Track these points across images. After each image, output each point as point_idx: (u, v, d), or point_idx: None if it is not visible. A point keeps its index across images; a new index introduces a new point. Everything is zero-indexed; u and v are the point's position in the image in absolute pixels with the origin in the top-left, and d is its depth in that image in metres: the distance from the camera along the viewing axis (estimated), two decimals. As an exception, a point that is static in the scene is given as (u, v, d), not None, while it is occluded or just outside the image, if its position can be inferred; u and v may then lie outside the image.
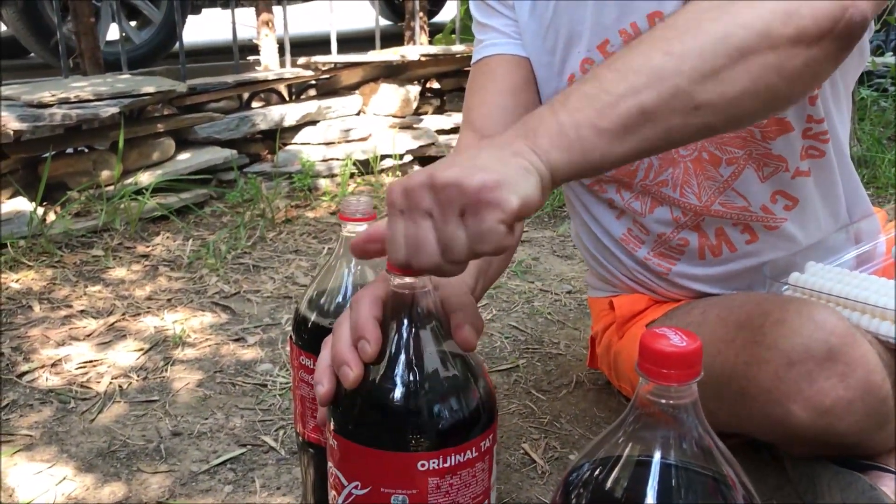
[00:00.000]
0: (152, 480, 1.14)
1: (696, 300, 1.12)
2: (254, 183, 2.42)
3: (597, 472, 0.54)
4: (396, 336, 0.67)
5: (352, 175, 2.62)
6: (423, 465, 0.64)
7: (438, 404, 0.65)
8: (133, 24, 4.34)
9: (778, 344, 0.87)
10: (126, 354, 1.53)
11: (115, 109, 2.21)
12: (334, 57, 2.84)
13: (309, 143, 2.67)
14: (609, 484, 0.52)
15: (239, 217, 2.27)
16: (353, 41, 3.52)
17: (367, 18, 3.21)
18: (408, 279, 0.67)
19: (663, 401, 0.51)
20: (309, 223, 2.29)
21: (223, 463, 1.18)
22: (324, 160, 2.64)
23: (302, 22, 5.00)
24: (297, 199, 2.47)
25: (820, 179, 1.09)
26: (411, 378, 0.65)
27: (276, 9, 3.02)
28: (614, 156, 0.68)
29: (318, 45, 2.92)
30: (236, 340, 1.59)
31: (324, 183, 2.57)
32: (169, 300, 1.78)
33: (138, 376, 1.44)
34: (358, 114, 2.84)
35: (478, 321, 0.70)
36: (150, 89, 2.34)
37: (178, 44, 2.75)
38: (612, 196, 1.14)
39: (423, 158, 2.80)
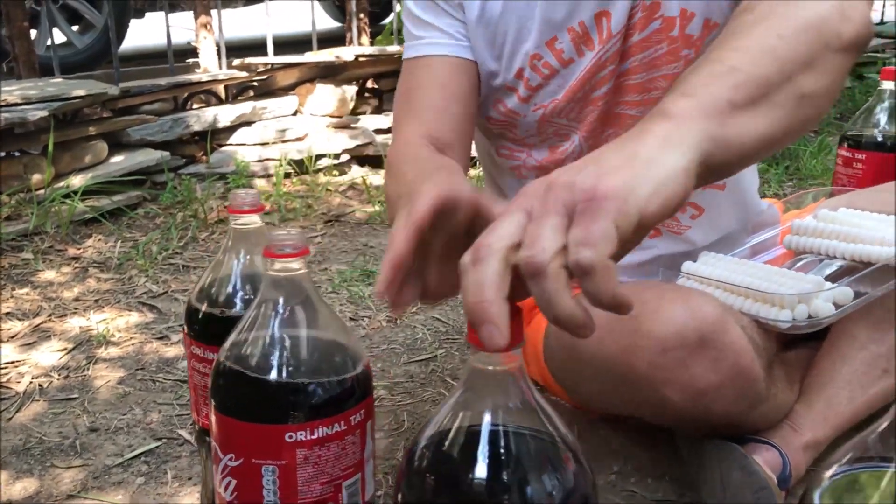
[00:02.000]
0: (65, 475, 1.16)
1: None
2: (187, 184, 2.43)
3: (434, 440, 0.57)
4: (273, 314, 0.70)
5: (287, 175, 2.64)
6: (290, 437, 0.67)
7: (304, 378, 0.68)
8: (75, 28, 4.30)
9: (652, 332, 0.91)
10: (49, 355, 1.53)
11: (43, 112, 2.20)
12: (270, 58, 2.85)
13: (244, 144, 2.68)
14: (444, 448, 0.56)
15: (171, 218, 2.28)
16: (300, 44, 3.53)
17: (315, 20, 3.22)
18: (289, 262, 0.70)
19: (490, 368, 0.55)
20: (243, 223, 2.30)
21: (137, 456, 1.20)
22: (259, 160, 2.65)
23: (247, 26, 4.99)
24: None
25: (732, 191, 1.14)
26: (278, 352, 0.68)
27: (217, 11, 3.02)
28: (750, 134, 0.65)
29: (263, 48, 2.93)
30: (160, 339, 1.60)
31: (260, 183, 2.58)
32: (96, 301, 1.79)
33: (60, 375, 1.45)
34: (294, 114, 2.86)
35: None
36: (81, 92, 2.34)
37: (120, 47, 2.74)
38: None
39: (361, 158, 2.83)
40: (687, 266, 1.09)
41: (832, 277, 1.03)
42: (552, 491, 0.54)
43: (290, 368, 0.68)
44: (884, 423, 0.50)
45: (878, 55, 3.95)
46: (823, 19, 0.71)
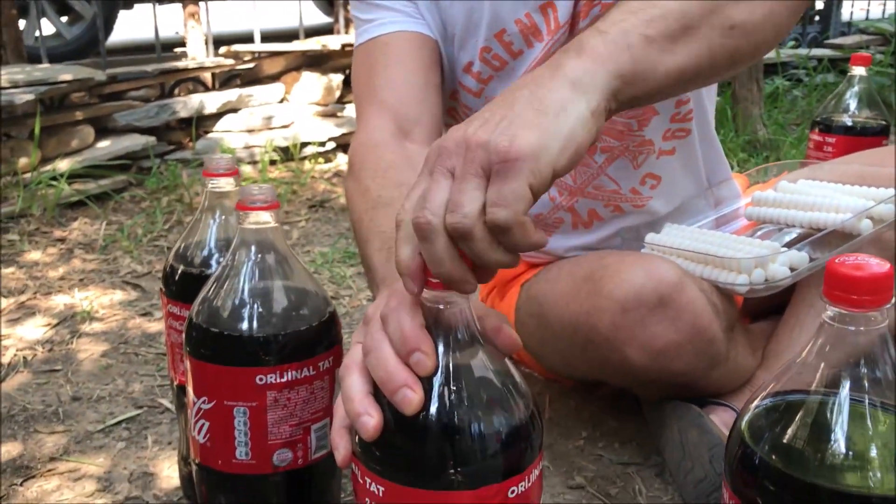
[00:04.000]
0: (48, 440, 1.18)
1: (562, 260, 1.19)
2: (173, 169, 2.45)
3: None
4: (245, 264, 0.73)
5: (273, 162, 2.67)
6: (261, 380, 0.70)
7: (273, 324, 0.71)
8: (64, 19, 4.31)
9: (614, 294, 0.94)
10: (34, 329, 1.56)
11: (30, 97, 2.22)
12: (257, 46, 2.88)
13: (231, 131, 2.71)
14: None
15: (157, 202, 2.31)
16: (290, 37, 3.55)
17: (306, 15, 3.25)
18: (260, 215, 0.73)
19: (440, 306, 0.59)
20: (228, 207, 2.33)
21: (119, 423, 1.23)
22: (246, 147, 2.68)
23: (237, 19, 5.01)
24: (217, 185, 2.51)
25: (683, 155, 1.16)
26: (249, 300, 0.72)
27: (209, 2, 3.05)
28: (664, 68, 0.67)
29: (252, 40, 2.96)
30: (143, 315, 1.63)
31: (246, 169, 2.61)
32: (81, 280, 1.81)
33: (44, 348, 1.48)
34: (281, 102, 2.88)
35: (501, 317, 0.65)
36: (68, 77, 2.36)
37: (110, 38, 2.77)
38: None
39: (346, 145, 2.86)
40: (650, 237, 1.12)
41: (790, 245, 1.06)
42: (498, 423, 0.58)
43: (261, 315, 0.72)
44: (798, 360, 0.53)
45: (864, 51, 4.00)
46: None
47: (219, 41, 3.03)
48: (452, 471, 0.56)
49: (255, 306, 0.72)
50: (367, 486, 0.59)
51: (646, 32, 0.66)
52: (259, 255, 0.73)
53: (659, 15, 0.67)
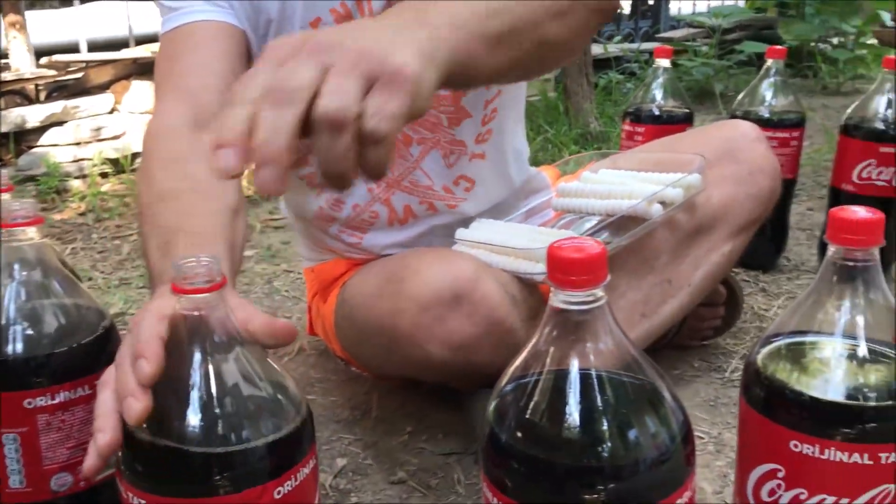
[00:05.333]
0: None
1: (374, 261, 1.20)
2: (-7, 187, 2.33)
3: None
4: (8, 284, 0.71)
5: (104, 175, 2.57)
6: (29, 403, 0.68)
7: (39, 344, 0.69)
8: None
9: (413, 293, 0.95)
10: None
11: None
12: (83, 55, 2.77)
13: (57, 145, 2.59)
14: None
15: (-24, 223, 2.18)
16: (122, 45, 3.43)
17: (137, 22, 3.13)
18: (22, 232, 0.70)
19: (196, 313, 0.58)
20: (54, 225, 2.23)
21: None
22: (74, 160, 2.57)
23: (70, 29, 4.79)
24: (43, 200, 2.40)
25: (494, 157, 1.19)
26: (11, 320, 0.69)
27: (31, 13, 2.90)
28: (487, 67, 0.71)
29: (88, 49, 2.84)
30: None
31: (75, 184, 2.51)
32: None
33: None
34: (111, 112, 2.78)
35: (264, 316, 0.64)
36: None
37: None
38: (312, 171, 1.18)
39: (185, 155, 2.79)
40: (459, 233, 1.15)
41: (589, 232, 1.12)
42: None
43: (26, 336, 0.69)
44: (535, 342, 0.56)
45: (689, 44, 4.21)
46: None
47: (46, 51, 2.89)
48: (213, 477, 0.56)
49: (17, 327, 0.69)
50: (131, 501, 0.58)
51: (482, 31, 0.69)
52: (23, 274, 0.71)
53: (491, 14, 0.70)
